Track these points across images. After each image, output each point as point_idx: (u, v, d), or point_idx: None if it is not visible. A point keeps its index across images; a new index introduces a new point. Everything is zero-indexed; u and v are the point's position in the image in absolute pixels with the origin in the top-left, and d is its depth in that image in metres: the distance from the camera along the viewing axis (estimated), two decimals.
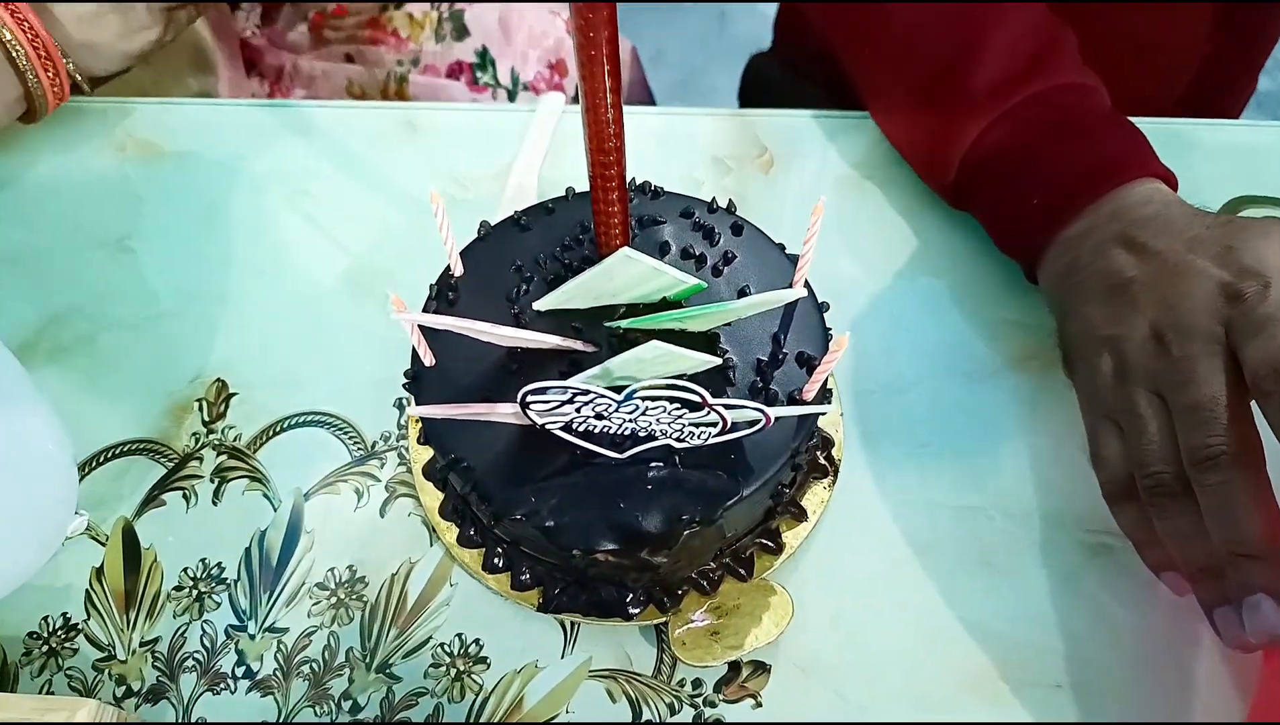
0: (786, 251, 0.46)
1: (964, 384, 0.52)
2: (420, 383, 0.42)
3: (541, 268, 0.45)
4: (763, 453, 0.40)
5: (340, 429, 0.51)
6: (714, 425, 0.37)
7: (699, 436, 0.38)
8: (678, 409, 0.36)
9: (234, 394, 0.52)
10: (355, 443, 0.50)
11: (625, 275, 0.41)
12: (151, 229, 0.59)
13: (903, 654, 0.44)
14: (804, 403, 0.41)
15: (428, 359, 0.42)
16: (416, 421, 0.50)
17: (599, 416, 0.37)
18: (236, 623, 0.45)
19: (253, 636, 0.45)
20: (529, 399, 0.36)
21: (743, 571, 0.45)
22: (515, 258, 0.45)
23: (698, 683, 0.43)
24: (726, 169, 0.61)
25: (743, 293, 0.44)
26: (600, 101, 0.35)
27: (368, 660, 0.44)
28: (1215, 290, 0.41)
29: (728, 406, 0.35)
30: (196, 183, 0.61)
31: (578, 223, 0.47)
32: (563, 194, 0.48)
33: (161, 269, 0.57)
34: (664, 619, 0.44)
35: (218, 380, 0.53)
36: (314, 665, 0.44)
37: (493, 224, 0.47)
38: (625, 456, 0.39)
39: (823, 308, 0.44)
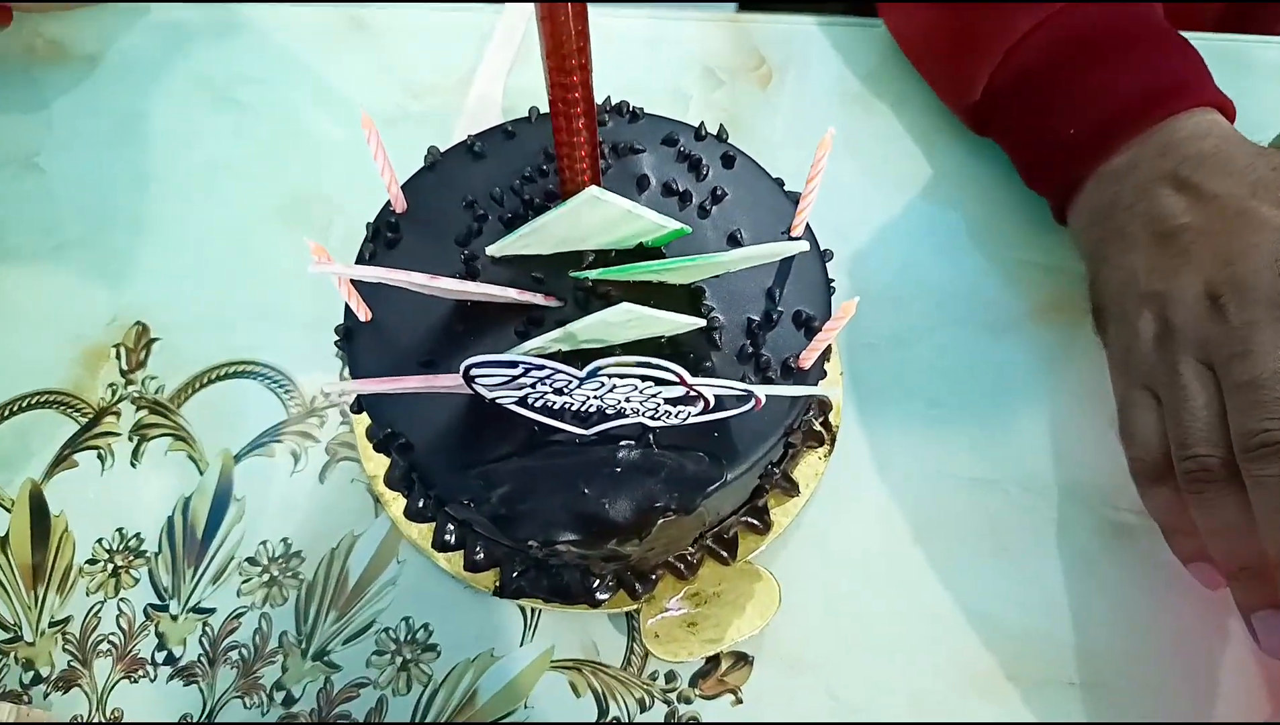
0: (785, 189, 0.40)
1: (980, 336, 0.46)
2: (353, 342, 0.36)
3: (498, 205, 0.39)
4: (751, 430, 0.35)
5: (274, 382, 0.45)
6: (694, 402, 0.32)
7: (676, 415, 0.32)
8: (651, 388, 0.30)
9: (156, 339, 0.46)
10: (292, 398, 0.45)
11: (594, 218, 0.35)
12: (61, 145, 0.52)
13: (901, 647, 0.40)
14: (800, 372, 0.36)
15: (362, 313, 0.36)
16: None
17: (558, 392, 0.31)
18: (157, 602, 0.41)
19: (175, 617, 0.40)
20: (474, 372, 0.30)
21: (725, 554, 0.40)
22: (468, 192, 0.39)
23: (671, 676, 0.39)
24: (718, 82, 0.54)
25: (733, 240, 0.38)
26: None
27: (303, 646, 0.40)
28: None
29: (710, 387, 0.30)
30: (113, 89, 0.54)
31: (541, 150, 0.40)
32: (525, 115, 0.42)
33: (72, 193, 0.51)
34: (635, 606, 0.39)
35: (137, 323, 0.47)
36: (243, 651, 0.40)
37: (443, 151, 0.41)
38: (591, 433, 0.34)
39: (825, 257, 0.39)
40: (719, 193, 0.39)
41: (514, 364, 0.29)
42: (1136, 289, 0.39)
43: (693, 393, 0.30)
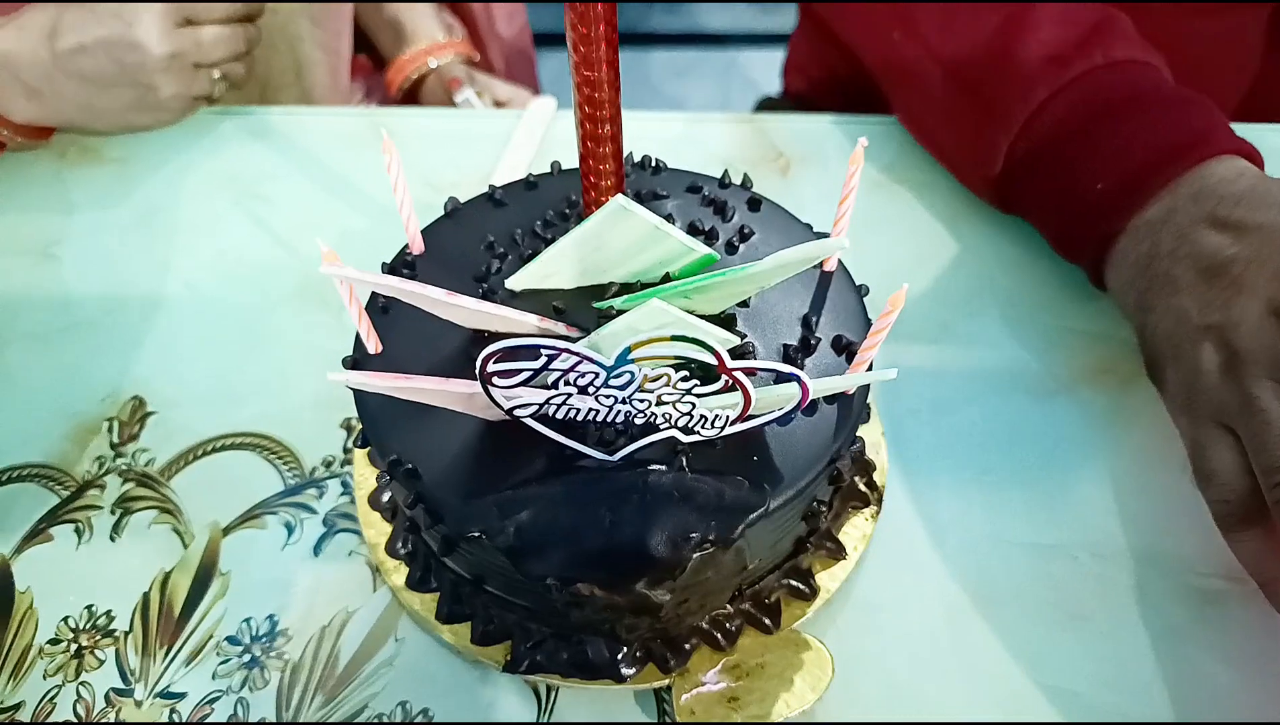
0: (814, 231, 0.39)
1: (1026, 402, 0.43)
2: (360, 372, 0.34)
3: (518, 246, 0.38)
4: (794, 456, 0.31)
5: (274, 453, 0.42)
6: (732, 407, 0.29)
7: (713, 423, 0.29)
8: (685, 381, 0.28)
9: (152, 413, 0.44)
10: (291, 469, 0.42)
11: (619, 238, 0.33)
12: (80, 235, 0.52)
13: None
14: (843, 396, 0.33)
15: (372, 344, 0.34)
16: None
17: (581, 391, 0.28)
18: (121, 685, 0.36)
19: (139, 703, 0.35)
20: (491, 368, 0.28)
21: (768, 621, 0.35)
22: (487, 234, 0.38)
23: None
24: (738, 173, 0.54)
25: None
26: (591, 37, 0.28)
27: None
28: None
29: (750, 374, 0.27)
30: (137, 186, 0.55)
31: (565, 198, 0.39)
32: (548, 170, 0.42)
33: (86, 278, 0.50)
34: (666, 682, 0.34)
35: (134, 398, 0.45)
36: None
37: (463, 201, 0.40)
38: (617, 458, 0.31)
39: (861, 291, 0.37)
40: (746, 231, 0.38)
41: (535, 352, 0.27)
42: (1190, 326, 0.37)
43: (729, 383, 0.27)
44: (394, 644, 0.37)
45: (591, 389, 0.28)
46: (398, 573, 0.37)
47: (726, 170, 0.40)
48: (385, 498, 0.39)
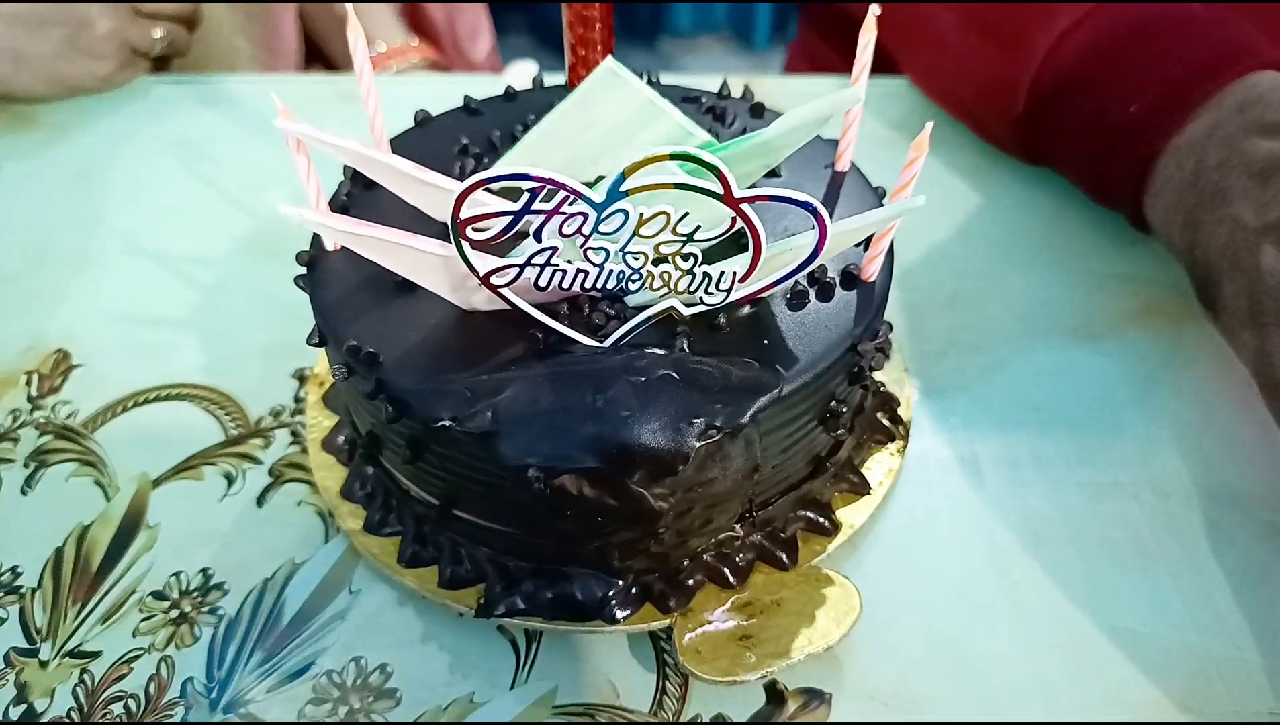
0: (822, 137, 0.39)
1: (1070, 343, 0.43)
2: (317, 272, 0.33)
3: (495, 149, 0.38)
4: (810, 340, 0.31)
5: (214, 403, 0.41)
6: (739, 264, 0.28)
7: (718, 284, 0.28)
8: (685, 222, 0.27)
9: (78, 366, 0.43)
10: (234, 419, 0.40)
11: (610, 112, 0.33)
12: (5, 194, 0.52)
13: (1031, 674, 0.32)
14: (863, 282, 0.32)
15: (330, 239, 0.34)
16: (319, 383, 0.40)
17: (568, 236, 0.27)
18: (25, 645, 0.34)
19: (44, 663, 0.33)
20: (465, 210, 0.27)
21: (783, 555, 0.34)
22: (462, 139, 0.38)
23: (720, 721, 0.31)
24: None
25: (770, 171, 0.36)
26: None
27: (213, 696, 0.32)
28: None
29: (759, 197, 0.26)
30: (72, 149, 0.55)
31: (547, 105, 0.39)
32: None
33: (9, 234, 0.49)
34: (667, 623, 0.32)
35: (58, 350, 0.43)
36: (130, 703, 0.32)
37: (436, 114, 0.40)
38: (608, 344, 0.30)
39: (879, 193, 0.37)
40: (748, 132, 0.38)
41: (523, 180, 0.26)
42: (1248, 231, 0.37)
43: (734, 222, 0.27)
44: (348, 596, 0.35)
45: (580, 238, 0.27)
46: (354, 517, 0.36)
47: (725, 80, 0.41)
48: (341, 438, 0.38)
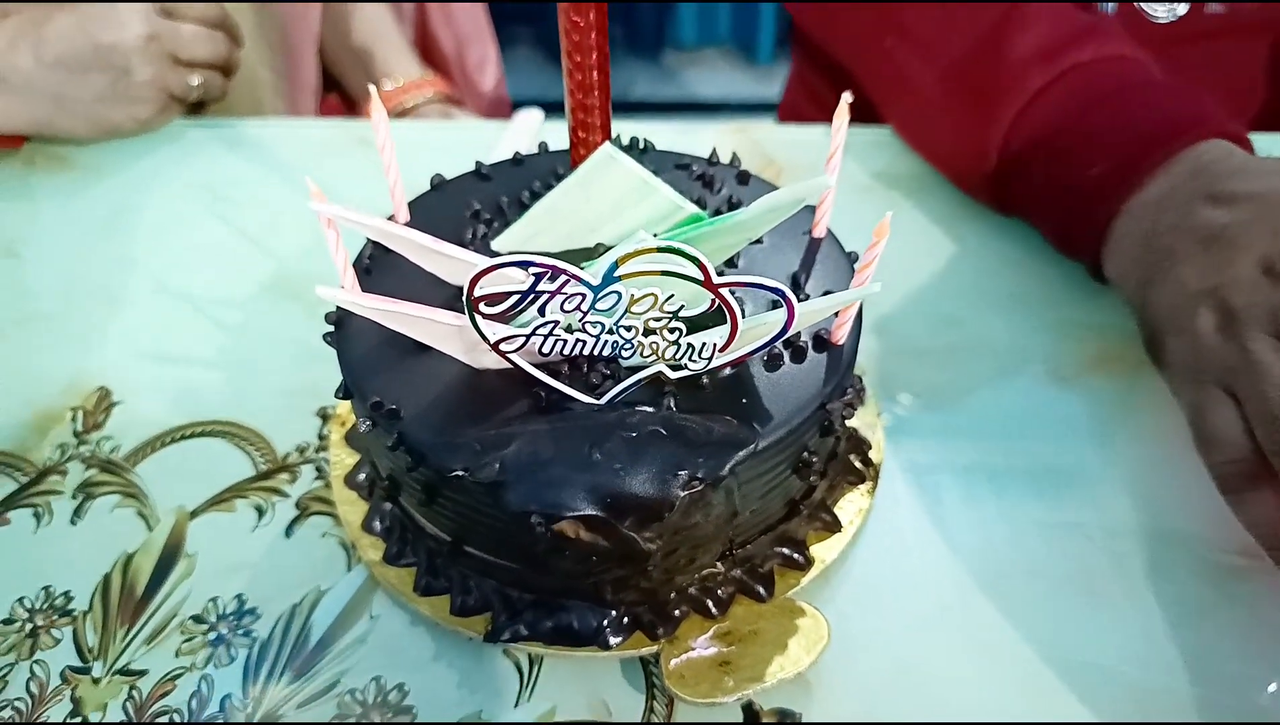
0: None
1: (1032, 388, 0.47)
2: (343, 330, 0.37)
3: (504, 214, 0.42)
4: (784, 399, 0.35)
5: (244, 440, 0.45)
6: (719, 336, 0.32)
7: (700, 353, 0.33)
8: (671, 303, 0.31)
9: (117, 403, 0.47)
10: (263, 455, 0.45)
11: (607, 190, 0.37)
12: (44, 233, 0.56)
13: (987, 701, 0.36)
14: (832, 346, 0.36)
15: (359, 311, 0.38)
16: (341, 422, 0.44)
17: (568, 314, 0.31)
18: (79, 663, 0.38)
19: (97, 680, 0.37)
20: (478, 290, 0.31)
21: (761, 589, 0.38)
22: (473, 203, 0.42)
23: None
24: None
25: (757, 242, 0.40)
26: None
27: (250, 710, 0.36)
28: None
29: (734, 290, 0.30)
30: (106, 190, 0.59)
31: (551, 171, 0.44)
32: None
33: (47, 273, 0.54)
34: (654, 649, 0.36)
35: (99, 388, 0.48)
36: (175, 717, 0.36)
37: (449, 178, 0.44)
38: (603, 402, 0.34)
39: (851, 258, 0.41)
40: (735, 201, 0.42)
41: (525, 268, 0.30)
42: (1189, 293, 0.41)
43: (715, 304, 0.31)
44: (368, 621, 0.39)
45: (579, 314, 0.31)
46: (373, 549, 0.40)
47: (715, 148, 0.45)
48: (362, 476, 0.42)
